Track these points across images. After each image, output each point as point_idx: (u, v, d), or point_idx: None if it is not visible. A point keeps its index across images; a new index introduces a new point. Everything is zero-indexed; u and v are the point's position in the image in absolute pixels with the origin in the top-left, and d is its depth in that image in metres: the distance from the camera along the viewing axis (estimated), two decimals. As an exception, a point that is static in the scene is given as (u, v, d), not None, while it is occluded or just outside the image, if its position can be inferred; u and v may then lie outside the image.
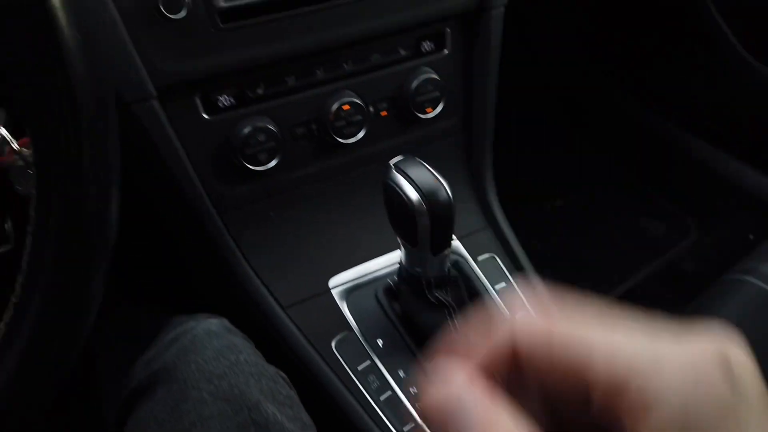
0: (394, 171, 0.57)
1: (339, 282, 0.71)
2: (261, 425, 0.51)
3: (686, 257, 1.29)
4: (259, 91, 0.64)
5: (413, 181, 0.56)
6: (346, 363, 0.66)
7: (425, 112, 0.71)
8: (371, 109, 0.69)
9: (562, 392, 0.23)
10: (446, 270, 0.64)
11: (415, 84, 0.69)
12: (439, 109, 0.72)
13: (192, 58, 0.58)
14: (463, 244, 0.76)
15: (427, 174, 0.56)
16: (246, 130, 0.62)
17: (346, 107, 0.66)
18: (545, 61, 1.54)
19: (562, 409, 0.23)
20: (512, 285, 0.76)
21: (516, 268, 0.78)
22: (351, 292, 0.71)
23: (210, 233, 0.68)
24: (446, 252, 0.61)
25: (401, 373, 0.66)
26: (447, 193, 0.56)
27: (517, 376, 0.23)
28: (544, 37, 1.50)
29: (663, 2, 1.24)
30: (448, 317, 0.64)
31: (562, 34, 1.47)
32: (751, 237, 1.23)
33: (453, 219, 0.58)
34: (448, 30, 0.71)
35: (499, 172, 0.83)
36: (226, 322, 0.61)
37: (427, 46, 0.71)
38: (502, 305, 0.74)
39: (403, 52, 0.69)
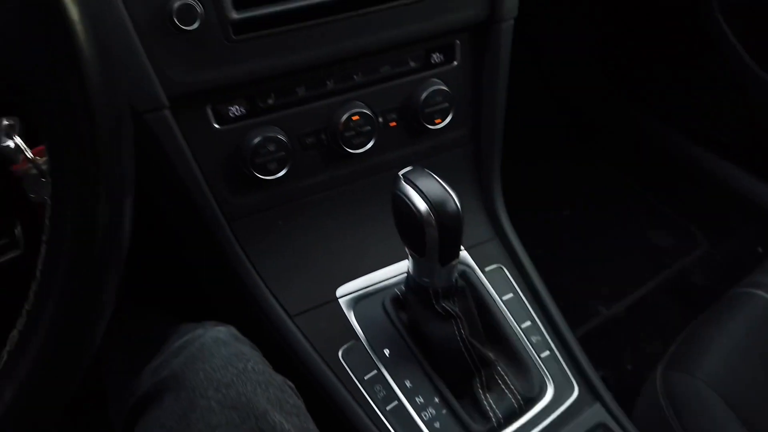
0: (402, 181, 0.57)
1: (346, 291, 0.72)
2: (268, 434, 0.51)
3: (695, 269, 1.29)
4: (270, 101, 0.64)
5: (422, 192, 0.56)
6: (352, 372, 0.67)
7: (434, 123, 0.72)
8: (380, 119, 0.70)
9: None
10: (454, 280, 0.64)
11: (424, 95, 0.69)
12: (448, 119, 0.72)
13: (204, 69, 0.58)
14: (470, 255, 0.76)
15: (436, 185, 0.57)
16: (256, 140, 0.63)
17: (355, 118, 0.67)
18: (553, 72, 1.54)
19: None
20: (519, 296, 0.76)
21: (523, 279, 0.78)
22: (358, 302, 0.71)
23: (219, 241, 0.68)
24: (454, 262, 0.61)
25: (408, 383, 0.67)
26: (455, 203, 0.57)
27: None
28: (552, 49, 1.50)
29: (671, 15, 1.24)
30: (455, 328, 0.64)
31: (571, 46, 1.48)
32: (760, 250, 1.22)
33: (461, 230, 0.58)
34: (458, 42, 0.72)
35: (507, 182, 0.83)
36: (233, 330, 0.61)
37: (436, 57, 0.71)
38: (510, 316, 0.74)
39: (412, 64, 0.70)
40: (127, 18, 0.54)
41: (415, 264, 0.62)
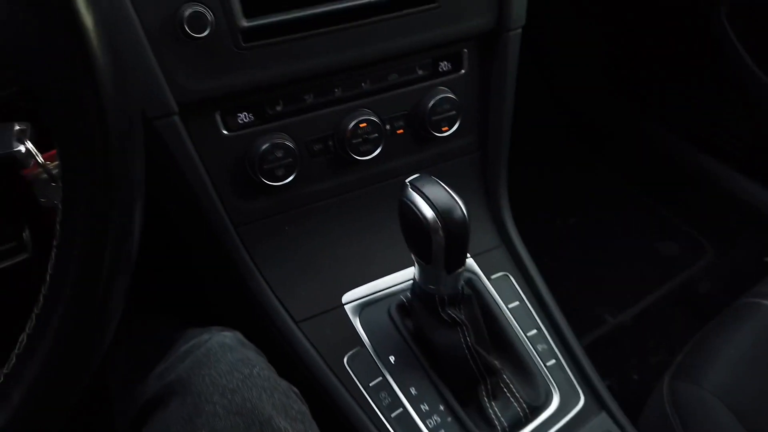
0: (409, 189, 0.58)
1: (352, 297, 0.72)
2: (273, 440, 0.51)
3: (701, 279, 1.28)
4: (278, 108, 0.65)
5: (429, 199, 0.56)
6: (357, 379, 0.67)
7: (441, 131, 0.72)
8: (388, 126, 0.70)
9: None
10: (460, 288, 0.64)
11: (431, 103, 0.70)
12: (455, 127, 0.72)
13: (214, 76, 0.59)
14: (476, 262, 0.76)
15: (443, 192, 0.57)
16: (264, 147, 0.63)
17: (363, 125, 0.67)
18: (560, 80, 1.54)
19: None
20: (525, 304, 0.76)
21: (530, 286, 0.78)
22: (364, 308, 0.71)
23: (226, 246, 0.69)
24: (460, 270, 0.61)
25: (413, 391, 0.67)
26: (462, 211, 0.57)
27: None
28: (558, 57, 1.51)
29: (678, 22, 1.24)
30: (461, 335, 0.64)
31: (577, 54, 1.48)
32: (766, 259, 1.22)
33: (468, 237, 0.58)
34: (466, 50, 0.72)
35: (513, 189, 0.83)
36: (239, 335, 0.62)
37: (444, 66, 0.71)
38: (515, 324, 0.74)
39: (420, 72, 0.70)
40: (139, 25, 0.54)
41: (422, 271, 0.62)
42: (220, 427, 0.51)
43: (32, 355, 0.34)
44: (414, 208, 0.56)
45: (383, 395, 0.66)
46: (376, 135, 0.68)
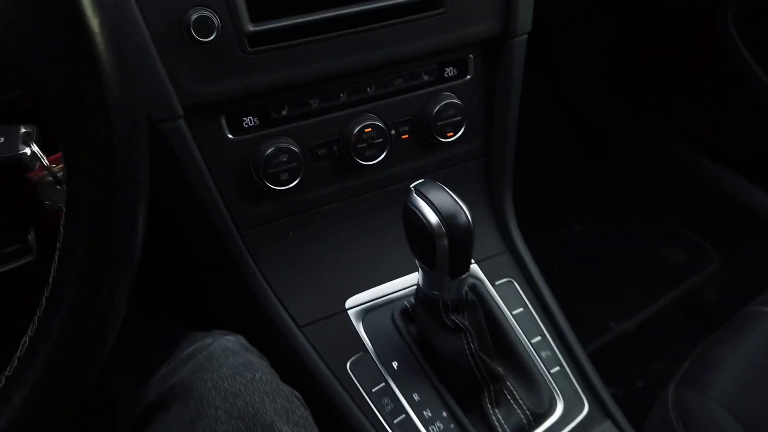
0: (414, 194, 0.57)
1: (356, 302, 0.72)
2: (274, 445, 0.51)
3: (708, 286, 1.27)
4: (284, 112, 0.65)
5: (433, 205, 0.56)
6: (360, 384, 0.66)
7: (446, 136, 0.72)
8: (393, 131, 0.70)
9: None
10: (464, 293, 0.64)
11: (436, 108, 0.70)
12: (460, 133, 0.72)
13: (219, 80, 0.59)
14: (481, 268, 0.76)
15: (447, 197, 0.57)
16: (269, 151, 0.63)
17: (368, 130, 0.67)
18: (565, 86, 1.54)
19: None
20: (530, 310, 0.76)
21: (534, 293, 0.77)
22: (367, 313, 0.71)
23: (229, 250, 0.69)
24: (464, 276, 0.61)
25: (416, 397, 0.66)
26: (467, 216, 0.56)
27: None
28: (564, 63, 1.50)
29: (685, 30, 1.24)
30: (464, 341, 0.64)
31: (583, 60, 1.48)
32: (774, 267, 1.21)
33: (472, 243, 0.58)
34: (471, 56, 0.72)
35: (518, 195, 0.83)
36: (242, 339, 0.62)
37: (449, 71, 0.71)
38: (519, 331, 0.73)
39: (426, 77, 0.70)
40: (145, 29, 0.54)
41: (425, 276, 0.62)
42: (221, 431, 0.51)
43: (34, 358, 0.34)
44: (418, 213, 0.56)
45: (386, 401, 0.66)
46: (381, 140, 0.68)
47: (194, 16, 0.55)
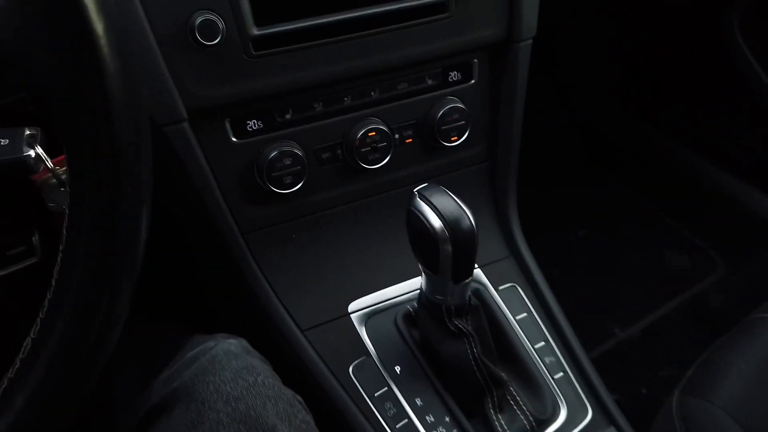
0: (417, 198, 0.57)
1: (358, 306, 0.72)
2: (276, 449, 0.51)
3: (713, 292, 1.27)
4: (287, 116, 0.65)
5: (437, 209, 0.56)
6: (363, 389, 0.66)
7: (450, 140, 0.72)
8: (396, 135, 0.70)
9: None
10: (467, 298, 0.63)
11: (440, 112, 0.70)
12: (464, 137, 0.72)
13: (224, 84, 0.59)
14: (484, 273, 0.76)
15: (451, 202, 0.57)
16: (273, 154, 0.63)
17: (371, 134, 0.67)
18: (570, 91, 1.54)
19: None
20: (533, 316, 0.75)
21: (537, 298, 0.77)
22: (370, 317, 0.71)
23: (232, 253, 0.69)
24: (468, 280, 0.60)
25: (418, 402, 0.66)
26: (470, 221, 0.56)
27: None
28: (568, 69, 1.50)
29: (690, 35, 1.23)
30: (467, 346, 0.64)
31: (588, 66, 1.48)
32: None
33: (476, 247, 0.58)
34: (476, 60, 0.72)
35: (522, 200, 0.83)
36: (244, 342, 0.61)
37: (454, 75, 0.71)
38: (523, 336, 0.73)
39: (430, 82, 0.70)
40: (150, 32, 0.55)
41: (429, 281, 0.62)
42: (223, 434, 0.51)
43: (36, 360, 0.34)
44: (422, 217, 0.56)
45: (388, 406, 0.66)
46: (385, 144, 0.68)
47: (199, 20, 0.55)
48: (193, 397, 0.54)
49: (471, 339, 0.64)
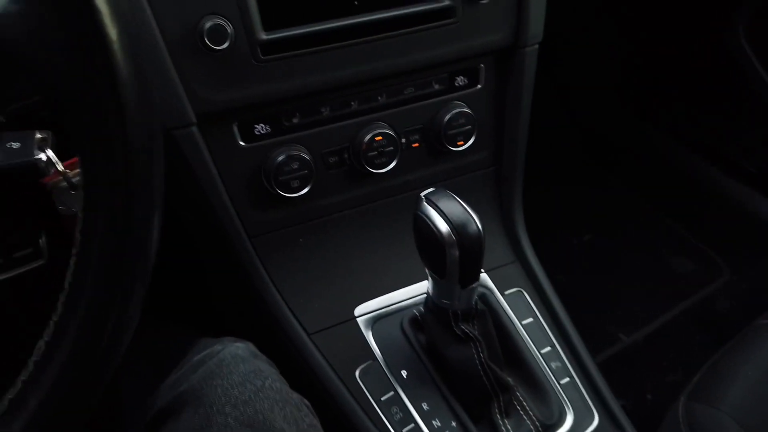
0: (424, 202, 0.58)
1: (365, 310, 0.72)
2: (284, 453, 0.51)
3: (718, 298, 1.26)
4: (295, 120, 0.65)
5: (444, 213, 0.56)
6: (369, 393, 0.66)
7: (457, 145, 0.72)
8: (403, 140, 0.70)
9: None
10: (473, 303, 0.63)
11: (447, 117, 0.70)
12: (470, 142, 0.72)
13: (232, 88, 0.59)
14: (490, 277, 0.76)
15: (458, 206, 0.57)
16: (280, 158, 0.64)
17: (378, 138, 0.67)
18: (574, 95, 1.54)
19: None
20: (539, 320, 0.75)
21: (543, 303, 0.77)
22: (377, 321, 0.71)
23: (240, 257, 0.69)
24: (474, 285, 0.61)
25: (425, 406, 0.66)
26: (477, 225, 0.56)
27: None
28: (573, 73, 1.50)
29: (696, 41, 1.23)
30: (474, 351, 0.64)
31: (592, 70, 1.48)
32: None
33: (482, 252, 0.58)
34: (482, 65, 0.72)
35: (527, 204, 0.83)
36: (251, 346, 0.62)
37: (460, 80, 0.72)
38: (529, 341, 0.73)
39: (436, 86, 0.70)
40: (159, 36, 0.55)
41: (435, 285, 0.62)
42: (231, 438, 0.51)
43: (50, 362, 0.34)
44: (429, 222, 0.56)
45: (395, 410, 0.66)
46: (392, 148, 0.68)
47: (208, 24, 0.55)
48: (201, 400, 0.54)
49: (477, 344, 0.64)
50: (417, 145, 0.72)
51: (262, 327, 0.71)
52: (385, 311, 0.72)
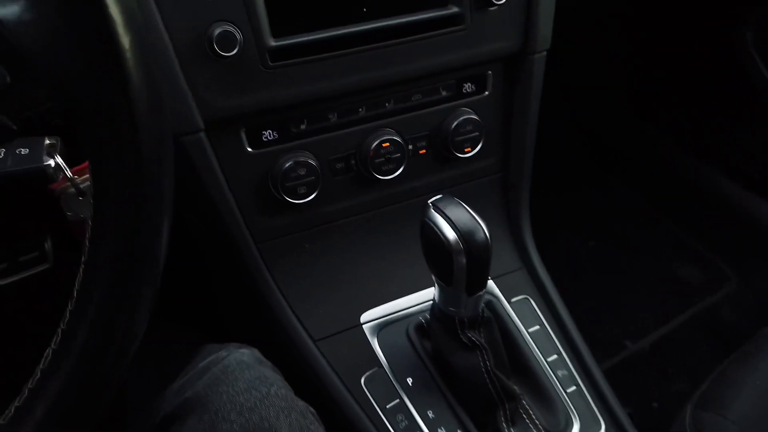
0: (431, 209, 0.57)
1: (371, 317, 0.71)
2: (289, 461, 0.51)
3: (724, 306, 1.26)
4: (302, 126, 0.65)
5: (451, 221, 0.56)
6: (374, 400, 0.66)
7: (464, 152, 0.72)
8: (410, 146, 0.70)
9: None
10: (480, 310, 0.63)
11: (454, 123, 0.70)
12: (477, 148, 0.72)
13: (241, 95, 0.59)
14: (497, 285, 0.76)
15: (465, 214, 0.56)
16: (287, 164, 0.64)
17: (385, 144, 0.67)
18: (582, 103, 1.54)
19: None
20: (546, 328, 0.75)
21: (550, 311, 0.77)
22: (382, 328, 0.71)
23: (245, 262, 0.69)
24: (481, 292, 0.60)
25: (430, 414, 0.66)
26: (484, 233, 0.56)
27: None
28: (580, 80, 1.50)
29: (704, 49, 1.23)
30: (480, 358, 0.64)
31: (599, 77, 1.48)
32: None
33: (490, 259, 0.58)
34: (490, 72, 0.72)
35: (533, 211, 0.82)
36: (257, 352, 0.61)
37: (468, 87, 0.71)
38: (536, 349, 0.73)
39: (444, 93, 0.70)
40: (169, 43, 0.55)
41: (442, 292, 0.62)
42: (236, 445, 0.50)
43: (58, 370, 0.34)
44: (436, 229, 0.56)
45: (400, 418, 0.65)
46: (399, 155, 0.68)
47: (217, 31, 0.55)
48: (207, 407, 0.54)
49: (484, 351, 0.63)
50: (424, 151, 0.72)
51: (267, 333, 0.71)
52: (391, 318, 0.72)
